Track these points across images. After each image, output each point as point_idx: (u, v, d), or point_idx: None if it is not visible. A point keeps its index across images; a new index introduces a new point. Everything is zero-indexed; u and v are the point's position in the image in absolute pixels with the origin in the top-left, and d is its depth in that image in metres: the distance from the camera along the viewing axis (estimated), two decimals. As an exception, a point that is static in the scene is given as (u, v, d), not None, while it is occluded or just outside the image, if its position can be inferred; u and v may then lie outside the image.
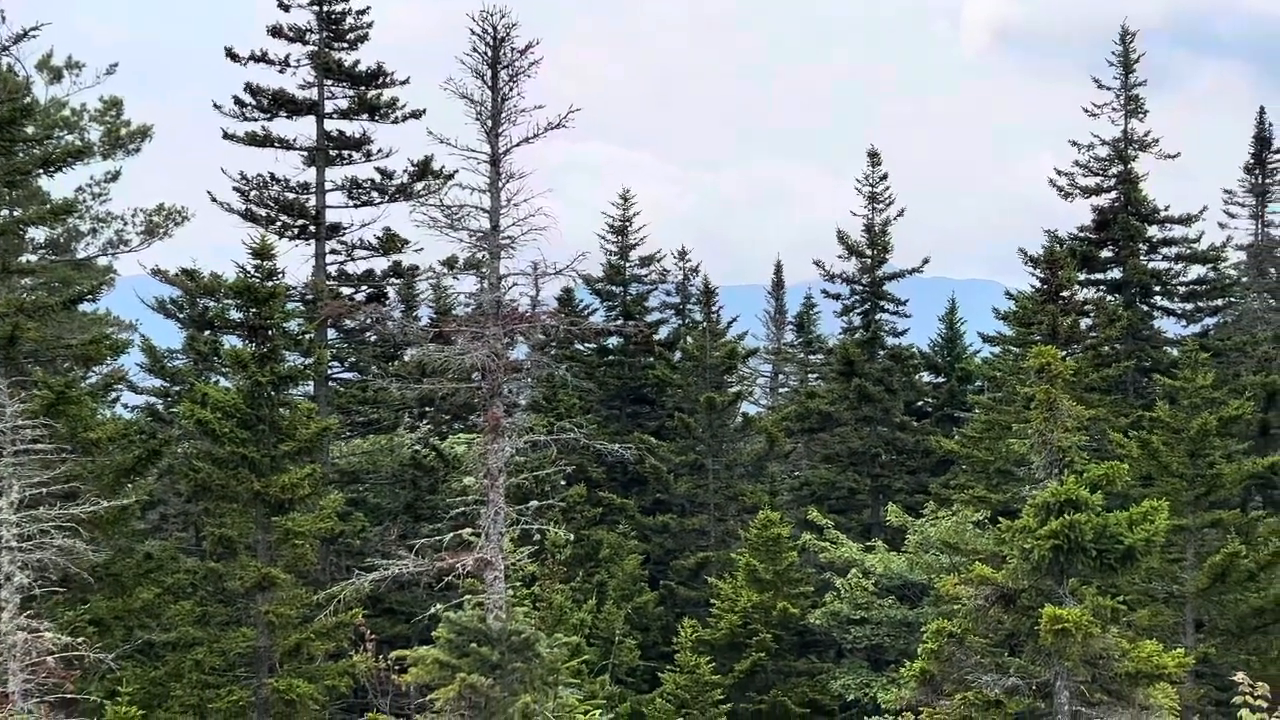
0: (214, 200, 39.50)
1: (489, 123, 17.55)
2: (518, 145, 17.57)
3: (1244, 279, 52.22)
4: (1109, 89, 47.76)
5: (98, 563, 25.10)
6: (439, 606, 17.27)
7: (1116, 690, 20.09)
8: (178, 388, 40.03)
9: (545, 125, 17.42)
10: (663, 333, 53.37)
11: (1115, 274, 47.97)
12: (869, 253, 49.23)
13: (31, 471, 17.40)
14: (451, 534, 17.40)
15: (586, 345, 52.85)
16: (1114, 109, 47.59)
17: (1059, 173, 48.72)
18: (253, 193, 39.49)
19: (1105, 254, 48.11)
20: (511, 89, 17.63)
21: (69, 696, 17.48)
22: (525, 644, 16.89)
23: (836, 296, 51.06)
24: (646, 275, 53.37)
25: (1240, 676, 24.68)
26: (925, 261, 50.21)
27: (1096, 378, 40.87)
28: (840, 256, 49.80)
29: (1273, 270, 53.81)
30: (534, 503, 18.15)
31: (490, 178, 17.44)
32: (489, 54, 17.67)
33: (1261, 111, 54.49)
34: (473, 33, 17.47)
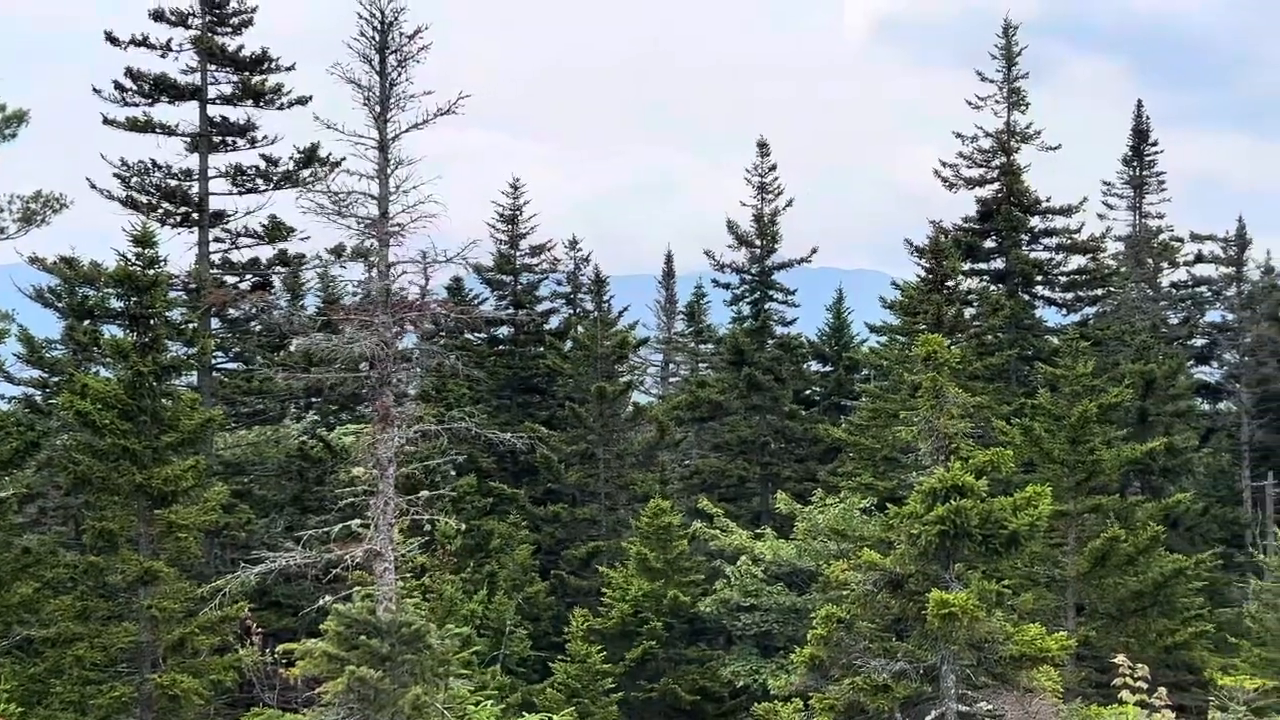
0: (93, 187, 38.67)
1: (377, 108, 17.34)
2: (406, 131, 17.40)
3: (1122, 269, 53.42)
4: (991, 81, 48.61)
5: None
6: (328, 599, 17.05)
7: (1001, 673, 20.45)
8: (56, 379, 39.06)
9: (435, 111, 17.26)
10: (553, 322, 53.31)
11: (998, 264, 48.84)
12: (758, 243, 49.58)
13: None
14: (340, 525, 17.19)
15: (477, 335, 52.63)
16: (997, 101, 48.43)
17: (944, 164, 49.48)
18: (134, 179, 38.74)
19: (989, 244, 48.97)
20: (400, 74, 17.45)
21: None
22: (415, 635, 16.74)
23: (726, 286, 51.39)
24: (537, 265, 53.22)
25: (1120, 659, 25.31)
26: (814, 251, 50.72)
27: (980, 366, 41.58)
28: (730, 246, 50.19)
29: (1150, 260, 55.14)
30: (424, 493, 17.98)
31: (379, 164, 17.22)
32: (377, 39, 17.45)
33: (1139, 104, 55.92)
34: (360, 17, 17.26)
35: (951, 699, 20.24)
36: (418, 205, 17.05)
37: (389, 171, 17.16)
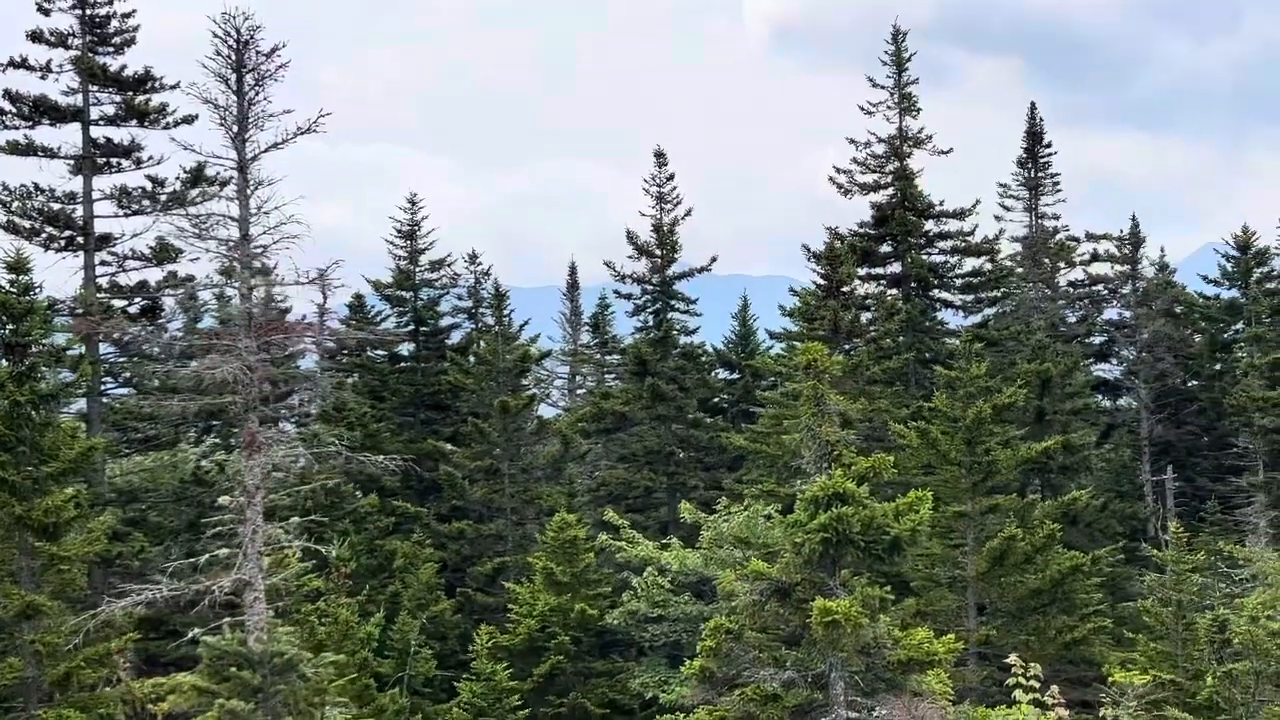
0: (-28, 212, 37.77)
1: (234, 128, 16.98)
2: (266, 151, 17.06)
3: (1019, 270, 53.96)
4: (883, 87, 48.86)
5: None
6: (196, 630, 16.65)
7: (890, 679, 20.46)
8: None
9: (295, 130, 16.94)
10: (455, 337, 52.88)
11: (895, 268, 49.13)
12: (658, 252, 49.52)
13: None
14: (207, 556, 16.81)
15: (378, 352, 52.10)
16: (889, 106, 48.72)
17: (839, 170, 49.72)
18: (15, 204, 37.88)
19: (885, 249, 49.25)
20: (258, 93, 17.10)
21: None
22: (288, 665, 16.39)
23: (628, 297, 51.27)
24: (438, 280, 52.79)
25: (1013, 658, 25.43)
26: (714, 260, 50.77)
27: (878, 370, 41.79)
28: (630, 257, 50.05)
29: (1047, 261, 55.76)
30: (295, 519, 17.64)
31: (238, 185, 16.84)
32: (232, 58, 17.09)
33: (1033, 107, 56.53)
34: (215, 35, 16.88)
35: (841, 706, 20.22)
36: (280, 226, 16.74)
37: (249, 192, 16.82)
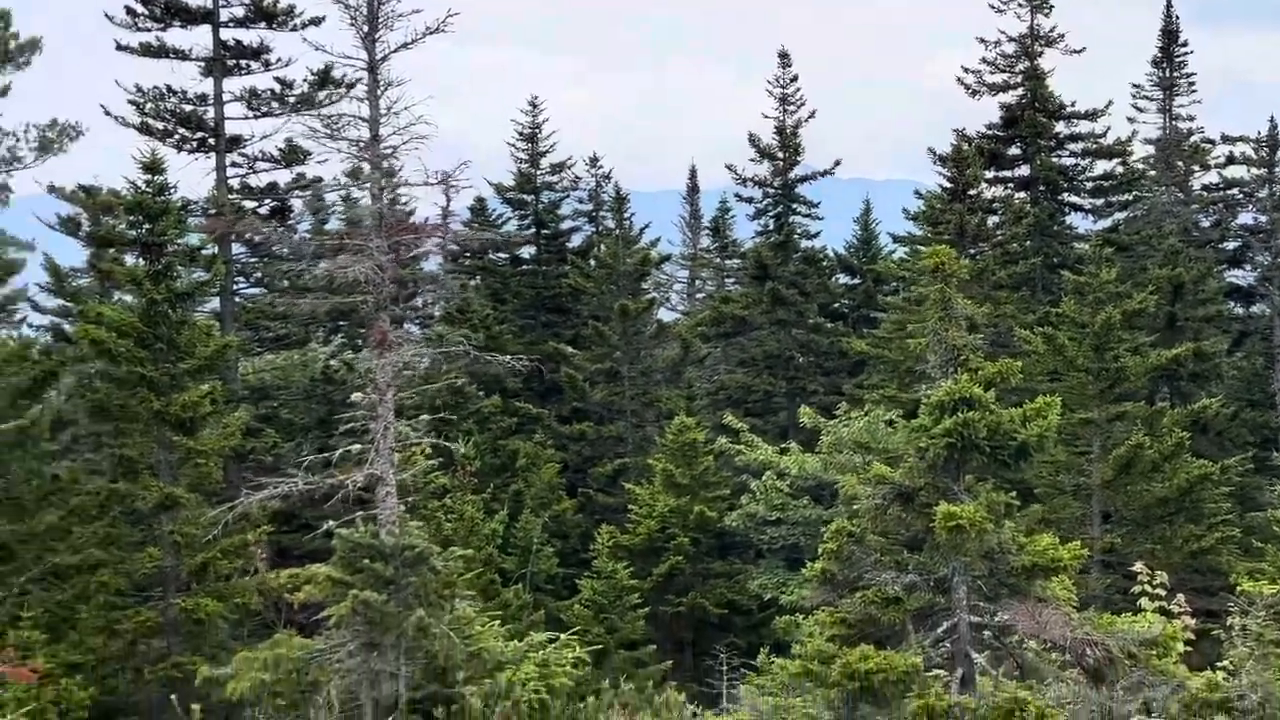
0: (108, 114, 38.57)
1: (364, 28, 17.09)
2: (395, 51, 17.17)
3: (1151, 173, 52.56)
4: (1014, -16, 47.55)
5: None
6: (330, 524, 17.11)
7: (1013, 584, 20.31)
8: (80, 307, 39.21)
9: (424, 30, 17.01)
10: (575, 240, 52.99)
11: (1023, 171, 48.13)
12: (781, 155, 49.07)
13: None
14: (340, 451, 17.20)
15: (500, 255, 52.46)
16: (1020, 4, 47.47)
17: (967, 70, 48.67)
18: (149, 105, 38.59)
19: (1013, 151, 48.24)
20: (387, -8, 17.12)
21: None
22: (419, 558, 16.75)
23: (750, 200, 50.99)
24: (558, 183, 52.77)
25: (1139, 566, 25.21)
26: (837, 163, 50.18)
27: (1004, 275, 41.17)
28: (752, 160, 49.64)
29: (1180, 164, 54.21)
30: (424, 416, 17.98)
31: (368, 85, 17.01)
32: (362, -45, 17.14)
33: (1169, 4, 54.63)
34: (344, -68, 16.91)
35: (963, 610, 20.15)
36: (409, 127, 16.88)
37: (379, 93, 16.97)
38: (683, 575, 39.41)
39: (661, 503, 39.86)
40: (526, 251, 52.16)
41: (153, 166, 28.61)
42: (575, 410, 47.35)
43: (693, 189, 67.21)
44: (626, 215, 49.93)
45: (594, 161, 52.97)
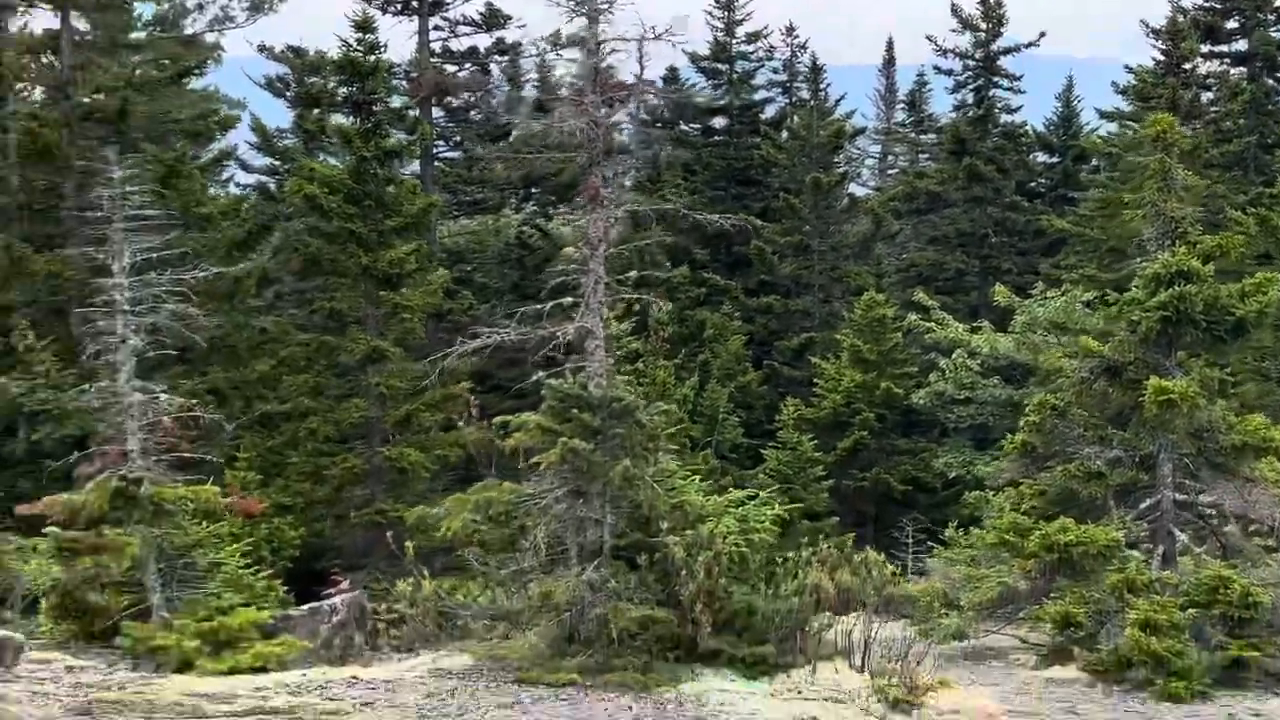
0: (316, -24, 39.22)
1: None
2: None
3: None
4: None
5: (214, 335, 25.83)
6: (541, 374, 17.51)
7: (1222, 463, 19.95)
8: (287, 166, 40.38)
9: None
10: (769, 112, 52.43)
11: (1240, 45, 45.90)
12: (983, 26, 47.71)
13: (143, 238, 17.74)
14: (552, 303, 17.54)
15: (692, 125, 52.23)
16: None
17: (1183, -61, 46.35)
18: (356, -34, 39.06)
19: (1230, 25, 45.99)
20: None
21: (186, 457, 18.13)
22: (625, 410, 17.05)
23: (949, 73, 49.77)
24: (753, 53, 52.06)
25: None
26: (1042, 35, 48.68)
27: (1216, 153, 39.64)
28: (954, 30, 48.38)
29: None
30: (634, 272, 18.22)
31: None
32: None
33: None
34: None
35: (1168, 487, 19.88)
36: (619, -15, 16.80)
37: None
38: (867, 451, 39.41)
39: (848, 378, 39.80)
40: (718, 123, 51.80)
41: (364, 25, 29.16)
42: (763, 283, 47.29)
43: (889, 62, 65.73)
44: (821, 87, 49.24)
45: (790, 31, 52.12)
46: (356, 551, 29.19)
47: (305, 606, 18.73)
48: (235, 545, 20.73)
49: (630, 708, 14.09)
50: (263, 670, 15.68)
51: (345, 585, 22.06)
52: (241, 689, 14.33)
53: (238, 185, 43.51)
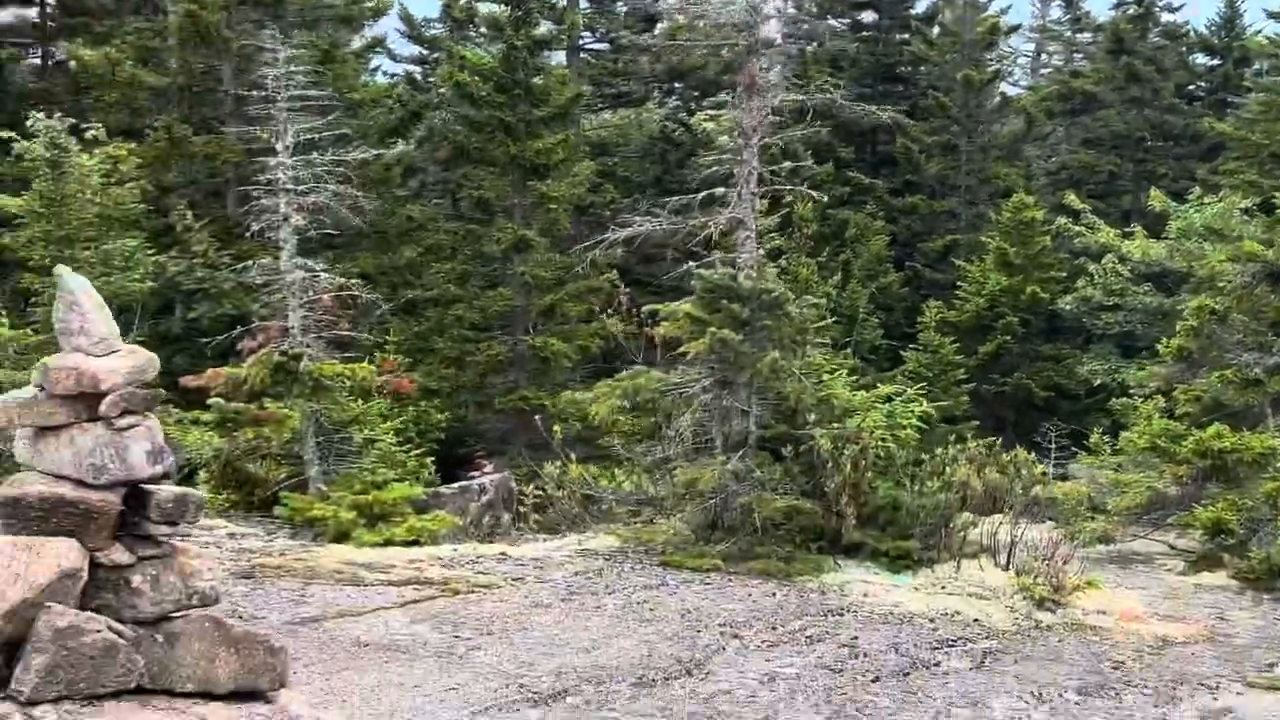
0: None
1: None
2: None
3: None
4: None
5: (366, 218, 26.27)
6: (690, 265, 17.55)
7: (1390, 374, 19.39)
8: (434, 55, 40.57)
9: None
10: (920, 6, 51.23)
11: None
12: (1148, -82, 46.04)
13: (305, 119, 18.05)
14: (704, 193, 17.50)
15: (840, 20, 51.28)
16: None
17: None
18: None
19: None
20: None
21: (343, 335, 18.58)
22: (775, 302, 17.05)
23: (1109, -32, 48.17)
24: (904, -55, 50.75)
25: None
26: (1209, -71, 46.75)
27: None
28: (1116, -77, 46.72)
29: None
30: (788, 164, 18.08)
31: None
32: None
33: None
34: None
35: (1330, 398, 19.38)
36: None
37: None
38: (1009, 355, 38.90)
39: (992, 281, 39.21)
40: (867, 17, 50.76)
41: (515, -88, 29.05)
42: (908, 183, 46.56)
43: (1045, -42, 63.78)
44: (976, -20, 47.88)
45: (943, -77, 50.69)
46: (498, 437, 29.73)
47: (455, 485, 19.20)
48: (387, 424, 21.22)
49: (774, 594, 14.25)
50: (415, 544, 16.13)
51: (489, 469, 22.54)
52: (397, 560, 14.78)
53: (385, 74, 43.85)
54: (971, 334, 38.66)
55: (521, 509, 19.88)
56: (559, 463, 19.72)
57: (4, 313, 20.59)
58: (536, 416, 21.32)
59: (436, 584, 13.66)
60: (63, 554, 7.57)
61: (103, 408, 7.69)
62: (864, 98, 48.93)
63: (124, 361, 7.84)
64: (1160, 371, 21.02)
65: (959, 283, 40.18)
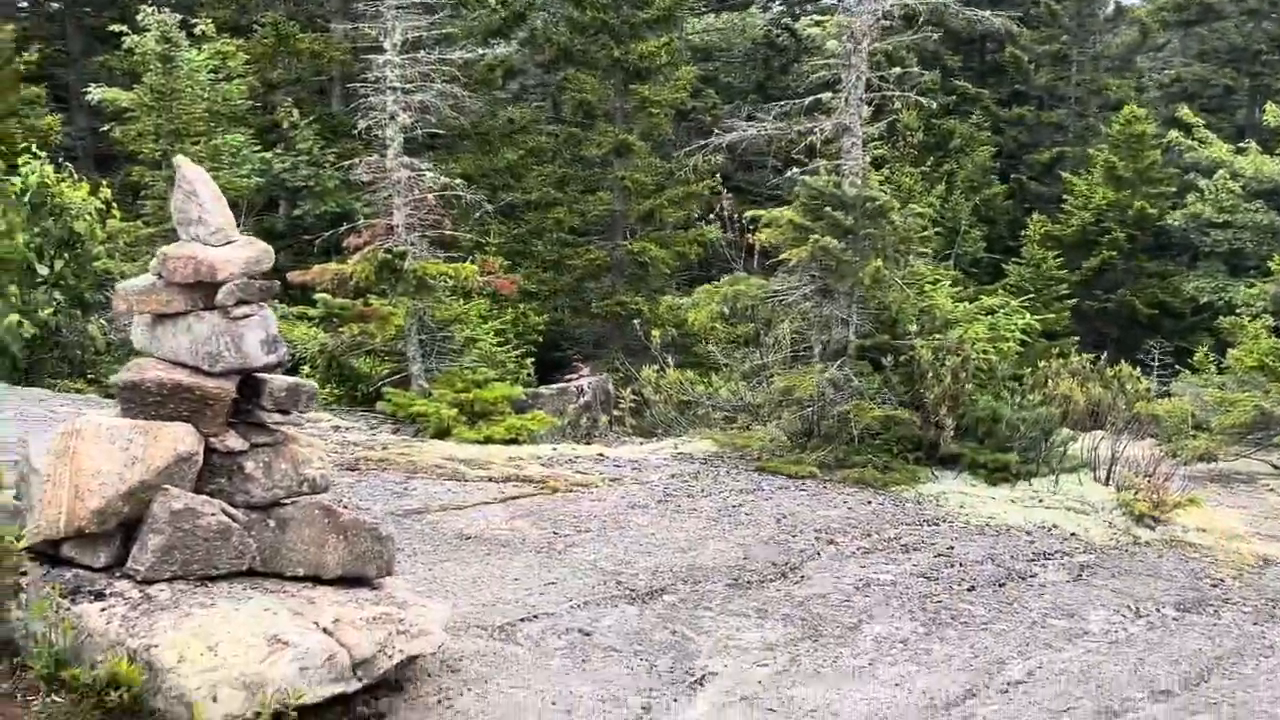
0: None
1: None
2: None
3: None
4: None
5: (468, 120, 26.31)
6: (794, 171, 17.38)
7: None
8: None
9: None
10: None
11: None
12: None
13: (412, 16, 18.05)
14: (810, 98, 17.27)
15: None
16: None
17: None
18: None
19: None
20: None
21: (446, 235, 18.70)
22: (879, 210, 16.87)
23: (1233, -128, 46.41)
24: None
25: None
26: None
27: None
28: None
29: None
30: (896, 70, 17.77)
31: None
32: None
33: None
34: None
35: None
36: None
37: None
38: (1113, 272, 38.30)
39: (1099, 195, 38.53)
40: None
41: None
42: (1015, 93, 45.71)
43: None
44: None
45: None
46: (594, 341, 29.90)
47: (553, 386, 19.35)
48: (487, 325, 21.42)
49: (869, 502, 14.26)
50: (514, 442, 16.34)
51: (586, 372, 22.70)
52: (496, 458, 14.98)
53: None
54: (1075, 249, 38.08)
55: (618, 412, 20.03)
56: (656, 367, 19.79)
57: (115, 205, 20.96)
58: (635, 321, 21.38)
59: (535, 482, 13.83)
60: (179, 438, 7.74)
61: (219, 297, 7.81)
62: (974, 3, 48.21)
63: (240, 252, 7.96)
64: (1270, 290, 20.56)
65: (1065, 196, 39.52)
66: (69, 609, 7.32)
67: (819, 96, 17.45)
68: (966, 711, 8.31)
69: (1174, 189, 38.74)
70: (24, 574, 7.52)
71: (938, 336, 16.93)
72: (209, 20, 25.54)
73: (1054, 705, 8.50)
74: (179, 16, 24.30)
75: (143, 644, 7.09)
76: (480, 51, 20.52)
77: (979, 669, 9.13)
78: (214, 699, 6.90)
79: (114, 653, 7.07)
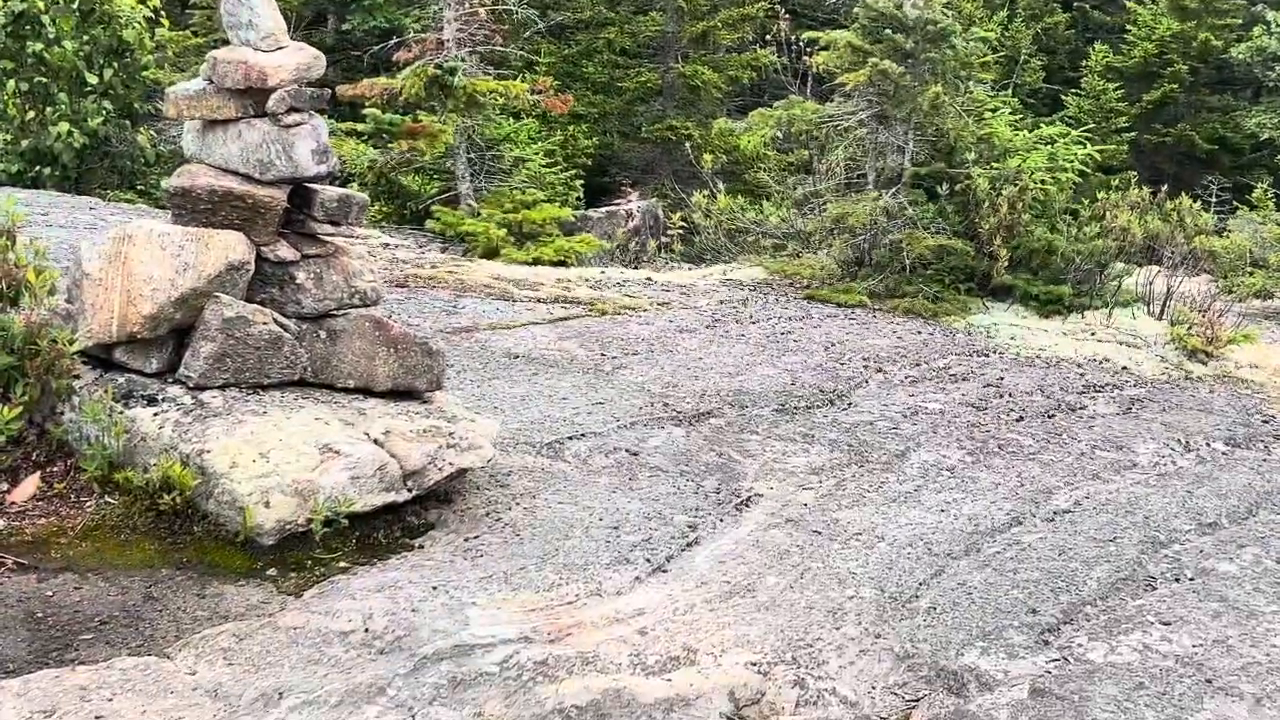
0: None
1: None
2: None
3: None
4: None
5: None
6: (853, -8, 16.93)
7: None
8: None
9: None
10: None
11: None
12: None
13: None
14: (874, -86, 16.71)
15: None
16: None
17: None
18: None
19: None
20: None
21: (496, 51, 18.39)
22: (940, 35, 16.46)
23: None
24: None
25: None
26: None
27: None
28: None
29: None
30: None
31: None
32: None
33: None
34: None
35: None
36: None
37: None
38: (1174, 105, 37.36)
39: (1163, 25, 37.41)
40: None
41: None
42: (1082, -82, 44.18)
43: None
44: None
45: None
46: (643, 166, 29.54)
47: (602, 209, 19.20)
48: (536, 146, 21.18)
49: (919, 332, 14.17)
50: (562, 264, 16.28)
51: (635, 196, 22.49)
52: (545, 279, 14.94)
53: None
54: (1137, 81, 37.14)
55: (666, 238, 19.90)
56: (706, 192, 19.59)
57: (164, 14, 20.70)
58: (687, 144, 21.08)
59: (583, 304, 13.80)
60: (230, 246, 7.71)
61: (270, 103, 7.70)
62: None
63: (291, 58, 7.82)
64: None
65: (1128, 26, 38.42)
66: (122, 413, 7.38)
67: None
68: (1012, 538, 8.32)
69: (1240, 21, 37.57)
70: (76, 377, 7.56)
71: (995, 166, 16.64)
72: None
73: (1100, 535, 8.50)
74: None
75: (195, 449, 7.15)
76: None
77: (1025, 497, 9.12)
78: (266, 504, 6.97)
79: (167, 457, 7.14)
